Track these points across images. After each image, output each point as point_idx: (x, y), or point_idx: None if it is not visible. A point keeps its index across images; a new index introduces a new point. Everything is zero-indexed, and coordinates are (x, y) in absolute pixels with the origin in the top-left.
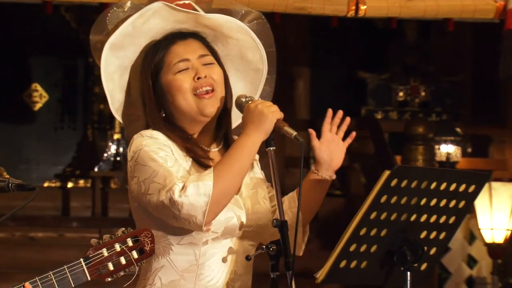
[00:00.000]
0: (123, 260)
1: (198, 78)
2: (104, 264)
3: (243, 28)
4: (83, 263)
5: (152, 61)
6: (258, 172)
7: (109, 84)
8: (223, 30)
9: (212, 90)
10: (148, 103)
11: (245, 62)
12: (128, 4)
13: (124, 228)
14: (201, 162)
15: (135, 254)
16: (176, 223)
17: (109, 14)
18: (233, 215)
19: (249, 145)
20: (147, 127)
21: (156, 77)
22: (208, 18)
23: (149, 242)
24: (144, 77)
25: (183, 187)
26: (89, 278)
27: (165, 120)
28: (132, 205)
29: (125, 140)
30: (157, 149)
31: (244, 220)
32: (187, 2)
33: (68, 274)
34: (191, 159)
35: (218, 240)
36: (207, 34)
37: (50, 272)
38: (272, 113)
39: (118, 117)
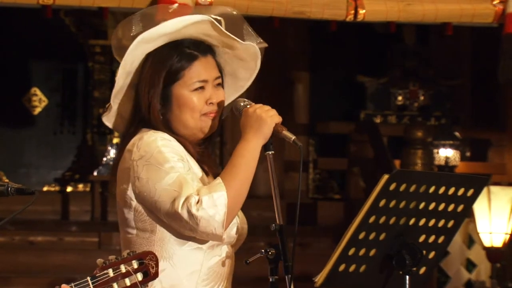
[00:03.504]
0: (127, 282)
1: (211, 104)
2: (110, 284)
3: (257, 56)
4: (90, 282)
5: (170, 68)
6: None
7: (121, 70)
8: (240, 53)
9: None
10: (154, 104)
11: (234, 79)
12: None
13: (129, 250)
14: (206, 170)
15: (139, 276)
16: (192, 234)
17: (139, 17)
18: (235, 222)
19: (250, 150)
20: (130, 126)
21: (168, 84)
22: (239, 43)
23: (154, 265)
24: (156, 77)
25: (199, 200)
26: None
27: (165, 123)
28: (122, 205)
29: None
30: (173, 153)
31: (239, 228)
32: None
33: None
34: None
35: (220, 246)
36: (220, 49)
37: None
38: (271, 118)
39: (112, 102)
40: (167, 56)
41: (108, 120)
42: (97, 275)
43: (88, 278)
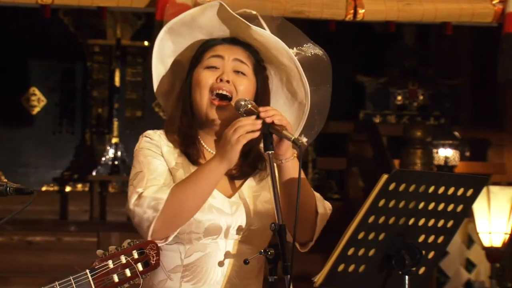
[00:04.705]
0: (128, 272)
1: (221, 80)
2: (110, 275)
3: (289, 54)
4: (89, 275)
5: (195, 54)
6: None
7: (159, 66)
8: (272, 51)
9: (230, 99)
10: (181, 91)
11: (292, 92)
12: None
13: (130, 240)
14: (196, 161)
15: (140, 267)
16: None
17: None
18: (214, 217)
19: (211, 171)
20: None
21: (192, 69)
22: (257, 33)
23: (154, 254)
24: (185, 67)
25: (140, 196)
26: None
27: (186, 108)
28: None
29: (123, 144)
30: (147, 150)
31: (230, 223)
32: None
33: (74, 285)
34: (186, 159)
35: (202, 241)
36: (261, 50)
37: (56, 283)
38: (237, 141)
39: (160, 100)
40: (196, 50)
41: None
42: (96, 267)
43: (87, 271)
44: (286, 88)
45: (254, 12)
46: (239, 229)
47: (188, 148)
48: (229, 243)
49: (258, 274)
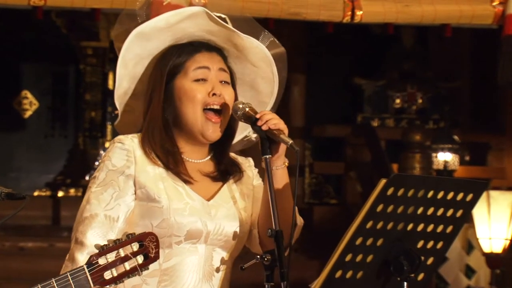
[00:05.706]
0: (127, 266)
1: (213, 95)
2: (108, 270)
3: (269, 59)
4: (86, 270)
5: (172, 62)
6: (249, 183)
7: (121, 70)
8: (248, 55)
9: (220, 112)
10: (155, 102)
11: (254, 92)
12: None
13: (128, 232)
14: (181, 176)
15: (139, 259)
16: None
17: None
18: (197, 219)
19: None
20: (144, 120)
21: (170, 79)
22: (241, 39)
23: (154, 247)
24: (159, 75)
25: (82, 245)
26: (92, 286)
27: (165, 123)
28: None
29: None
30: (115, 160)
31: (211, 227)
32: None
33: (71, 282)
34: (163, 168)
35: (183, 245)
36: (230, 53)
37: (53, 279)
38: None
39: (117, 104)
40: (170, 55)
41: (120, 129)
42: (93, 262)
43: (84, 266)
44: (248, 87)
45: (224, 16)
46: (218, 234)
47: (171, 165)
48: (208, 249)
49: (229, 282)
